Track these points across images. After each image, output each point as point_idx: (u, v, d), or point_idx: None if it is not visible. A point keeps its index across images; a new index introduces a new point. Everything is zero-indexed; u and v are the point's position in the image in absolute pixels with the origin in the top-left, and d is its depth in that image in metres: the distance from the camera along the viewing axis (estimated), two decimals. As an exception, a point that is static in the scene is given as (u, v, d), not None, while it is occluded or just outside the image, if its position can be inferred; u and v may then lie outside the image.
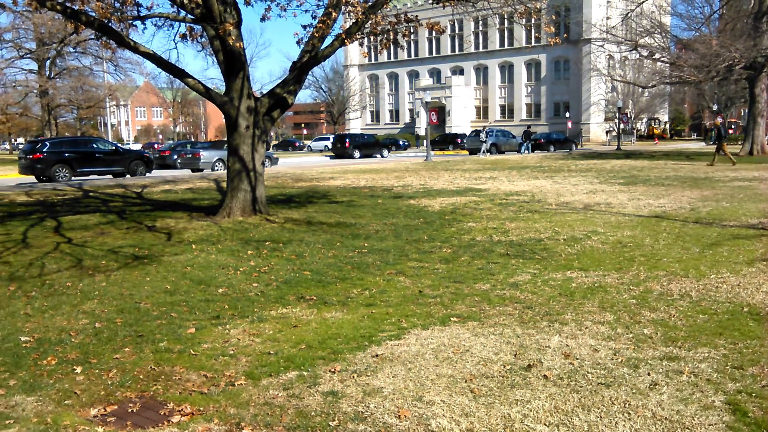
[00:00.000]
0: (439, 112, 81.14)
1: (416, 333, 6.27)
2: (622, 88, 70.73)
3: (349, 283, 8.43)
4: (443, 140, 60.36)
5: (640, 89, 63.36)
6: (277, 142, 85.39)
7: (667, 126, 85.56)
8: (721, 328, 6.16)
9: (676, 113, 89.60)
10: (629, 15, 41.21)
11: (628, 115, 73.56)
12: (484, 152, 44.83)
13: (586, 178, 23.71)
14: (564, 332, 6.16)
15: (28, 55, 50.04)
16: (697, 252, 9.80)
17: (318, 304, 7.44)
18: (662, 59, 42.62)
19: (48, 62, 51.14)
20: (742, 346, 5.66)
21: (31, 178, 26.91)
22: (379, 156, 48.88)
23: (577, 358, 5.44)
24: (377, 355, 5.65)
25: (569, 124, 70.06)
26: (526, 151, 47.77)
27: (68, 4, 12.13)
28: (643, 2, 40.39)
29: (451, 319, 6.70)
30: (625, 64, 69.30)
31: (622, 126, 60.75)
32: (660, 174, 24.62)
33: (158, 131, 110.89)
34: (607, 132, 71.85)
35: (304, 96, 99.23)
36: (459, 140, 57.88)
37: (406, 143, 68.88)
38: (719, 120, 32.45)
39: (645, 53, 43.44)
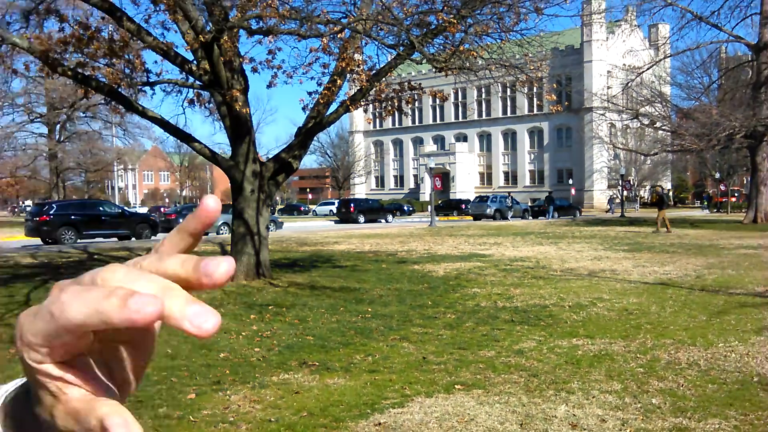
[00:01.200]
0: (444, 177, 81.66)
1: (420, 401, 6.16)
2: (624, 155, 71.37)
3: (352, 349, 8.33)
4: (447, 206, 60.72)
5: (643, 157, 63.90)
6: (282, 207, 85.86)
7: (671, 193, 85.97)
8: (731, 399, 6.04)
9: (679, 181, 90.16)
10: (629, 85, 41.97)
11: (631, 183, 73.99)
12: (512, 217, 46.48)
13: (591, 244, 23.68)
14: (571, 401, 6.04)
15: (39, 119, 50.88)
16: (704, 320, 9.70)
17: (320, 370, 7.33)
18: (663, 128, 43.14)
19: (58, 126, 51.97)
20: (753, 417, 5.53)
21: (37, 241, 26.98)
22: (383, 221, 49.06)
23: (585, 429, 5.32)
24: (380, 424, 5.53)
25: (573, 191, 70.43)
26: (551, 216, 48.76)
27: (79, 70, 12.40)
28: (642, 72, 41.19)
29: (456, 386, 6.59)
30: (627, 132, 70.06)
31: (625, 193, 61.10)
32: (664, 241, 24.59)
33: (165, 195, 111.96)
34: (610, 199, 71.97)
35: (310, 161, 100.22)
36: (463, 206, 58.22)
37: (411, 208, 69.30)
38: (659, 188, 34.02)
39: (646, 122, 44.00)
